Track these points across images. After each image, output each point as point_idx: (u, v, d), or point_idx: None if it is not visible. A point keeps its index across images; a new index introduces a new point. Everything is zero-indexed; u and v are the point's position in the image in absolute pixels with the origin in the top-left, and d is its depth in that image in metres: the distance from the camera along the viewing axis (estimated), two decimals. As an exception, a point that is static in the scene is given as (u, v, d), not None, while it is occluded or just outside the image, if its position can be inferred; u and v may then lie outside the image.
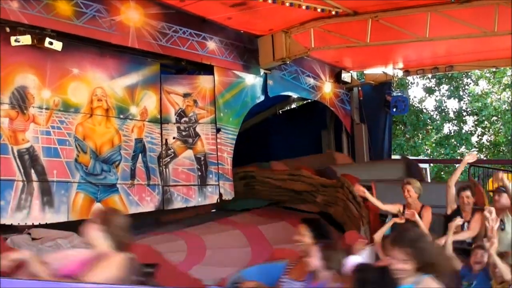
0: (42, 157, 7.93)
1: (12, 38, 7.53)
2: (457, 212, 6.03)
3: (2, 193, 7.36)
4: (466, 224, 5.91)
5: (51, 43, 7.83)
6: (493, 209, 4.81)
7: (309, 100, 13.52)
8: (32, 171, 7.79)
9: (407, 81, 21.90)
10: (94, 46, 8.79)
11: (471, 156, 6.37)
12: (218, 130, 10.17)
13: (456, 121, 23.17)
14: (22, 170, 7.66)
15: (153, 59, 9.71)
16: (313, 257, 3.51)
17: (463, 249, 5.73)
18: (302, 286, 3.68)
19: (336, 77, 13.01)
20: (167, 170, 9.63)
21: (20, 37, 7.58)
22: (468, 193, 6.13)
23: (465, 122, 23.08)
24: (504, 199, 5.86)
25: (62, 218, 7.97)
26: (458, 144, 22.54)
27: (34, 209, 7.67)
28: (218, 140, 10.19)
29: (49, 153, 8.04)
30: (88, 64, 8.76)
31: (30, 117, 7.88)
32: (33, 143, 7.85)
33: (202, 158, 9.99)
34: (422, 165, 14.04)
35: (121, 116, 9.12)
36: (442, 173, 22.02)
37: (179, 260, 7.45)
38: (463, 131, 22.74)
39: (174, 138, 9.85)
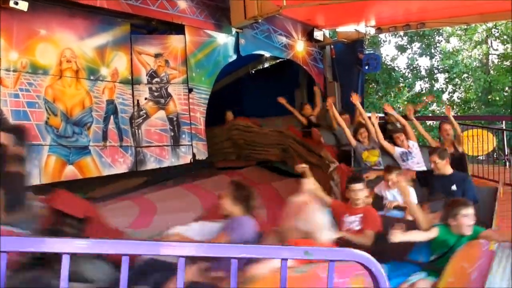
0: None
1: (-25, -1, 7.34)
2: None
3: (-29, 157, 7.26)
4: None
5: (16, 3, 7.62)
6: None
7: (282, 59, 13.48)
8: (2, 134, 7.67)
9: (379, 39, 22.00)
10: (62, 6, 8.58)
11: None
12: (190, 90, 10.12)
13: (427, 79, 23.46)
14: (-9, 134, 7.54)
15: (124, 19, 9.52)
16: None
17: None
18: None
19: (309, 36, 12.95)
20: (139, 131, 9.58)
21: (-16, -2, 7.40)
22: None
23: (436, 80, 23.39)
24: None
25: (34, 181, 7.88)
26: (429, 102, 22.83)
27: (5, 172, 7.58)
28: (191, 100, 10.14)
29: (18, 116, 7.91)
30: (56, 24, 8.55)
31: (-2, 80, 7.73)
32: (1, 107, 7.70)
33: (175, 119, 9.96)
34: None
35: (92, 78, 8.99)
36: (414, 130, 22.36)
37: None
38: (435, 88, 23.05)
39: (146, 99, 9.76)
